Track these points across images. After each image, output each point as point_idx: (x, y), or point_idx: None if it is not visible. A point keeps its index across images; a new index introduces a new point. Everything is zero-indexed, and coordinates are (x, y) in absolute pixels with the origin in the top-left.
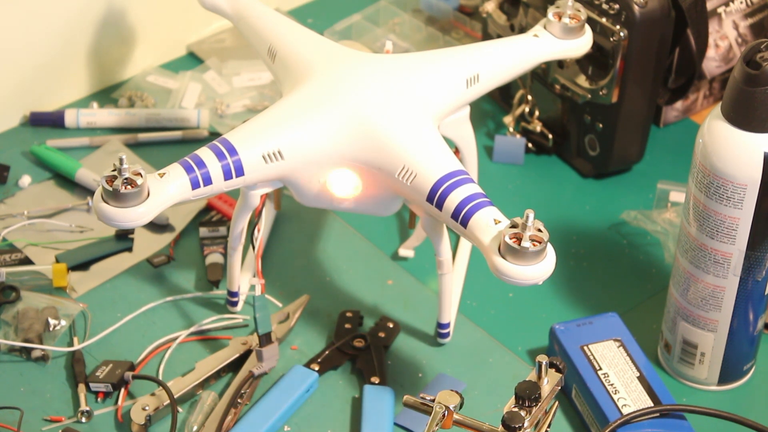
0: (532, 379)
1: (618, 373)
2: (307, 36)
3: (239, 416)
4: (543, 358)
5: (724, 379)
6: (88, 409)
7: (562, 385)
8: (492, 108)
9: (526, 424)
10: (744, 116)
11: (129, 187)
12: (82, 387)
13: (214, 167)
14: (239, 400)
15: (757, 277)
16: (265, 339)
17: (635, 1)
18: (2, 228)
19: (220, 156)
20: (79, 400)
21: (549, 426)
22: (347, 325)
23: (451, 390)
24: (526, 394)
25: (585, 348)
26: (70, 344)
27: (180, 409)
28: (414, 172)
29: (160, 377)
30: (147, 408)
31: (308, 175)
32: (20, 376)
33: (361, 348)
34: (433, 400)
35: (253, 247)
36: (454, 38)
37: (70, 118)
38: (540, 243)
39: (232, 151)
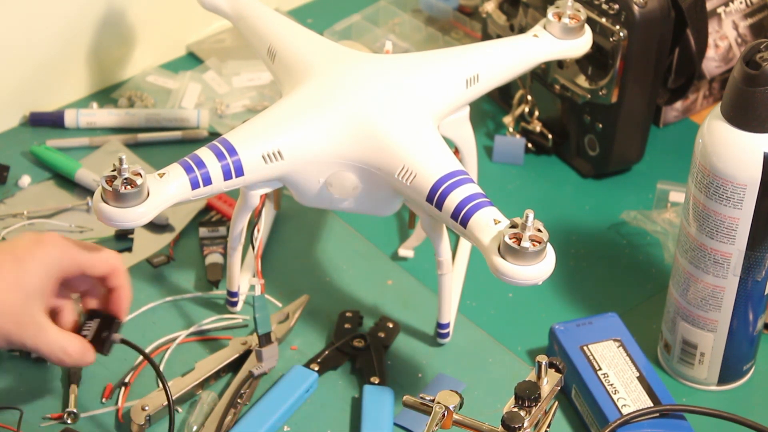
0: (531, 379)
1: (618, 373)
2: (307, 36)
3: (239, 416)
4: (543, 358)
5: (723, 379)
6: (75, 410)
7: (561, 386)
8: (492, 108)
9: (525, 425)
10: (744, 116)
11: (129, 187)
12: (73, 388)
13: (214, 167)
14: (239, 401)
15: (756, 277)
16: (265, 339)
17: (635, 2)
18: (2, 228)
19: (219, 156)
20: (68, 400)
21: (549, 426)
22: (347, 325)
23: (451, 390)
24: (526, 394)
25: (585, 348)
26: None
27: (179, 410)
28: (414, 172)
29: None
30: (147, 408)
31: (308, 175)
32: (20, 376)
33: (361, 348)
34: (433, 400)
35: (253, 248)
36: (454, 38)
37: (70, 118)
38: (540, 243)
39: (232, 151)
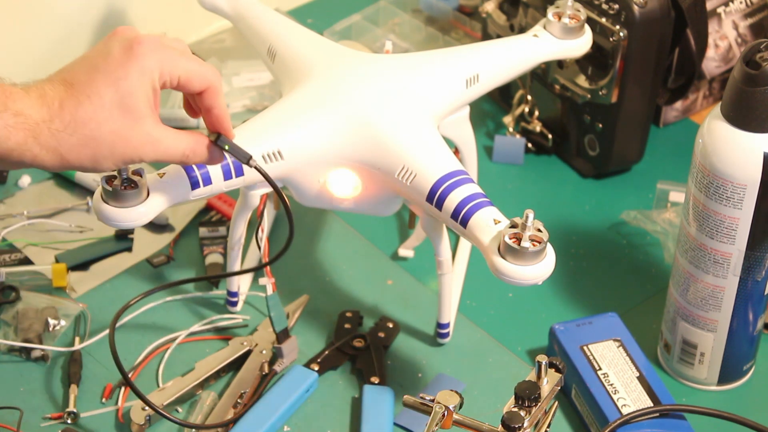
0: (531, 379)
1: (618, 373)
2: (306, 36)
3: (239, 416)
4: (543, 358)
5: (723, 379)
6: (75, 410)
7: (561, 385)
8: (492, 108)
9: (525, 424)
10: (744, 116)
11: (129, 187)
12: (74, 388)
13: (214, 167)
14: (239, 400)
15: (756, 277)
16: (283, 335)
17: (635, 2)
18: (2, 228)
19: None
20: (68, 400)
21: (549, 426)
22: (347, 325)
23: (451, 390)
24: (526, 394)
25: (585, 348)
26: (71, 344)
27: (179, 409)
28: (414, 172)
29: (160, 377)
30: (147, 408)
31: (308, 175)
32: (20, 376)
33: (361, 348)
34: (433, 400)
35: (259, 248)
36: (454, 38)
37: None
38: (540, 243)
39: None
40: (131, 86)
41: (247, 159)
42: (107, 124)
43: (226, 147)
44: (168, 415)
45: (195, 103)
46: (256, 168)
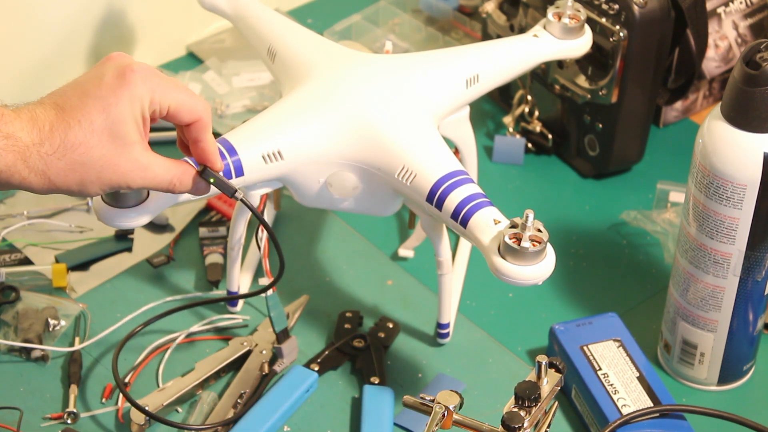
0: (531, 380)
1: (618, 373)
2: (306, 36)
3: (239, 416)
4: (543, 359)
5: (723, 379)
6: (75, 410)
7: (561, 386)
8: (492, 108)
9: (525, 425)
10: (744, 116)
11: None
12: (74, 388)
13: None
14: (239, 400)
15: (756, 277)
16: (283, 335)
17: (635, 2)
18: (2, 228)
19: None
20: (68, 401)
21: (549, 426)
22: (347, 325)
23: (451, 390)
24: (526, 395)
25: (585, 348)
26: (71, 344)
27: (179, 409)
28: (414, 172)
29: (160, 378)
30: (147, 408)
31: (308, 175)
32: (20, 376)
33: (361, 348)
34: (433, 400)
35: (259, 248)
36: (454, 38)
37: None
38: (540, 243)
39: (232, 151)
40: (121, 113)
41: (232, 192)
42: (96, 149)
43: (212, 180)
44: (163, 419)
45: (183, 134)
46: (242, 201)
